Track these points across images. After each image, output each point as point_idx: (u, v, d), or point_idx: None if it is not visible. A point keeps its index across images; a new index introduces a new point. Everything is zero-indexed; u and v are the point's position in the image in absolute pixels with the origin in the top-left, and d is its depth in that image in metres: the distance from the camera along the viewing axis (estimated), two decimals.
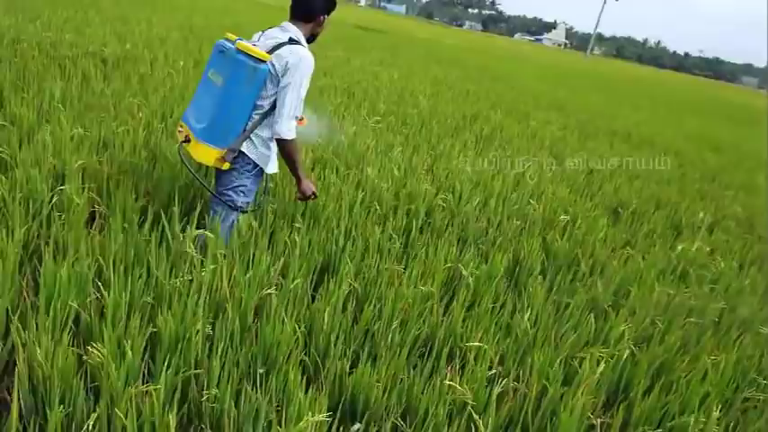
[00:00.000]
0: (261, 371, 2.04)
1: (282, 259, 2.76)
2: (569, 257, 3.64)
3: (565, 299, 2.96)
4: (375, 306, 2.56)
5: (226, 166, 2.82)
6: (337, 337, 2.27)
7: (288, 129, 2.71)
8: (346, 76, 9.64)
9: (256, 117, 2.77)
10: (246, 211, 2.97)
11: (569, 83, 20.78)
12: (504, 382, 2.20)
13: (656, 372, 2.54)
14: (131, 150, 3.96)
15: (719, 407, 2.36)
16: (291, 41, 2.76)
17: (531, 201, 4.41)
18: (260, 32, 2.92)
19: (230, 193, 2.90)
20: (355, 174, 4.45)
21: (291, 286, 2.52)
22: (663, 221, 4.79)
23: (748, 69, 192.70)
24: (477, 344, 2.32)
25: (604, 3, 59.01)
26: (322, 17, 2.88)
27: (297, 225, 3.23)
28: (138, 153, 3.94)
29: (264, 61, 2.67)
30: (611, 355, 2.49)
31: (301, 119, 3.43)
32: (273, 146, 2.91)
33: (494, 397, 2.07)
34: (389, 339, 2.40)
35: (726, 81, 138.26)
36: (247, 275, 2.52)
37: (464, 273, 3.07)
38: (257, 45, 2.81)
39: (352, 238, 3.25)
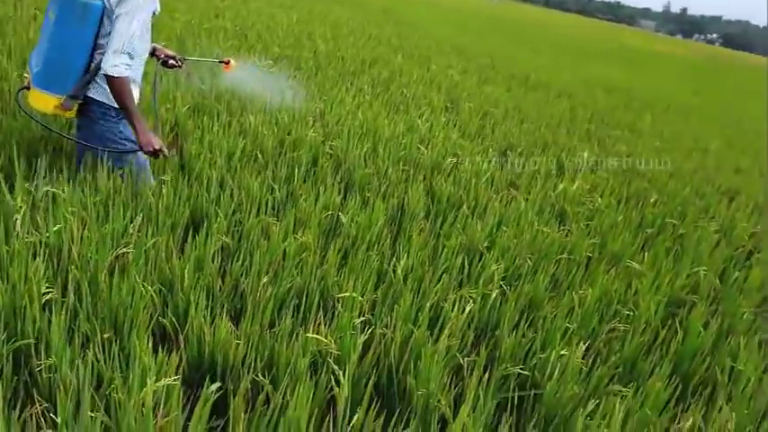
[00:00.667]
0: (106, 335, 1.90)
1: (142, 215, 2.56)
2: (453, 200, 3.65)
3: (444, 242, 2.96)
4: (243, 261, 2.45)
5: (70, 114, 2.61)
6: (199, 296, 2.15)
7: (112, 64, 2.45)
8: (240, 18, 9.15)
9: (99, 57, 2.52)
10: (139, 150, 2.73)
11: (474, 27, 20.87)
12: (372, 330, 2.17)
13: (524, 309, 2.61)
14: None
15: (583, 341, 2.45)
16: None
17: (419, 146, 4.37)
18: None
19: (110, 144, 2.68)
20: (239, 120, 4.24)
21: (150, 243, 2.35)
22: (548, 162, 4.91)
23: (646, 13, 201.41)
24: (346, 294, 2.27)
25: None
26: None
27: (163, 177, 3.02)
28: None
29: None
30: (481, 295, 2.52)
31: (227, 62, 3.16)
32: (131, 83, 2.62)
33: (359, 344, 2.04)
34: (258, 295, 2.30)
35: (626, 24, 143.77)
36: (101, 233, 2.33)
37: (343, 220, 3.01)
38: None
39: (228, 189, 3.09)
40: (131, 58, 2.49)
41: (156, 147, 2.65)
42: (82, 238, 2.31)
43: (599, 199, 4.16)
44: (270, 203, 3.08)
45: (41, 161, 2.76)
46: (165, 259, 2.34)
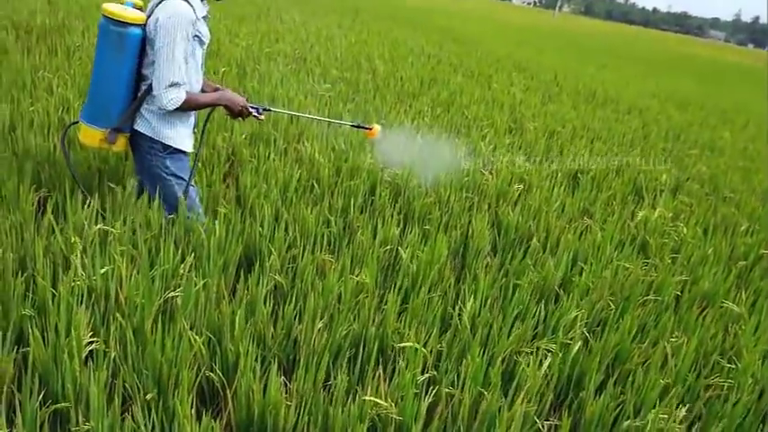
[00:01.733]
0: (148, 396, 1.74)
1: (194, 254, 2.43)
2: (522, 232, 3.38)
3: (514, 281, 2.70)
4: (297, 304, 2.27)
5: (118, 148, 2.53)
6: (249, 346, 1.97)
7: (167, 100, 2.38)
8: (299, 41, 9.16)
9: (144, 88, 2.45)
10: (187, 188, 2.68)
11: (535, 42, 20.42)
12: (437, 390, 1.94)
13: (611, 362, 2.31)
14: (41, 132, 3.57)
15: (681, 400, 2.14)
16: None
17: (483, 171, 4.12)
18: None
19: (157, 180, 2.61)
20: (295, 148, 4.12)
21: (200, 285, 2.20)
22: (624, 186, 4.55)
23: (715, 23, 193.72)
24: (408, 344, 2.05)
25: None
26: None
27: (221, 210, 2.90)
28: (50, 135, 3.55)
29: (135, 24, 2.37)
30: (562, 346, 2.24)
31: (371, 128, 2.93)
32: (179, 120, 2.57)
33: (423, 408, 1.81)
34: (312, 343, 2.12)
35: (693, 35, 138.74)
36: (150, 275, 2.21)
37: (403, 255, 2.79)
38: (148, 8, 2.48)
39: (283, 222, 2.93)
40: (180, 85, 2.40)
41: (242, 103, 2.60)
42: (130, 278, 2.19)
43: (683, 228, 3.78)
44: (326, 237, 2.91)
45: (95, 197, 2.69)
46: (215, 303, 2.19)
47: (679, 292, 3.00)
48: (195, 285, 2.19)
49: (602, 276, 2.84)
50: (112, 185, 2.78)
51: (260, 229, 2.77)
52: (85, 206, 2.56)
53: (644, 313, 2.69)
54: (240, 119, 2.66)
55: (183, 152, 2.67)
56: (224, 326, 2.07)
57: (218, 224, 2.63)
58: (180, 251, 2.48)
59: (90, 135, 2.47)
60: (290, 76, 6.48)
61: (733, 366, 2.39)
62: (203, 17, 2.52)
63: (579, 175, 4.77)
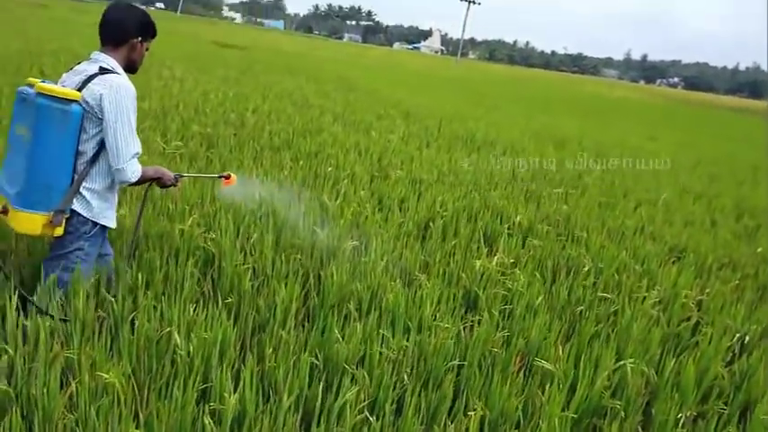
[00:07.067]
0: None
1: None
2: (345, 292, 3.10)
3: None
4: None
5: (58, 231, 2.39)
6: None
7: (131, 173, 2.42)
8: (168, 96, 8.78)
9: (82, 167, 2.42)
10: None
11: (433, 90, 20.92)
12: None
13: None
14: None
15: None
16: (103, 71, 2.43)
17: (315, 228, 3.86)
18: (69, 70, 2.55)
19: (68, 255, 2.49)
20: None
21: None
22: (472, 233, 4.41)
23: (609, 62, 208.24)
24: None
25: (468, 8, 61.36)
26: (136, 40, 2.55)
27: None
28: None
29: (75, 100, 2.32)
30: None
31: (228, 176, 3.05)
32: (113, 197, 2.59)
33: None
34: None
35: (590, 75, 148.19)
36: None
37: (178, 342, 2.43)
38: (65, 84, 2.44)
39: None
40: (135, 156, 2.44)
41: (172, 176, 2.72)
42: None
43: (520, 276, 3.62)
44: None
45: None
46: None
47: (497, 350, 2.79)
48: None
49: (404, 344, 2.59)
50: None
51: None
52: None
53: (441, 385, 2.44)
54: (164, 190, 3.03)
55: (104, 232, 2.63)
56: None
57: None
58: None
59: (29, 221, 2.32)
60: (147, 134, 6.08)
61: None
62: None
63: (430, 224, 4.60)
